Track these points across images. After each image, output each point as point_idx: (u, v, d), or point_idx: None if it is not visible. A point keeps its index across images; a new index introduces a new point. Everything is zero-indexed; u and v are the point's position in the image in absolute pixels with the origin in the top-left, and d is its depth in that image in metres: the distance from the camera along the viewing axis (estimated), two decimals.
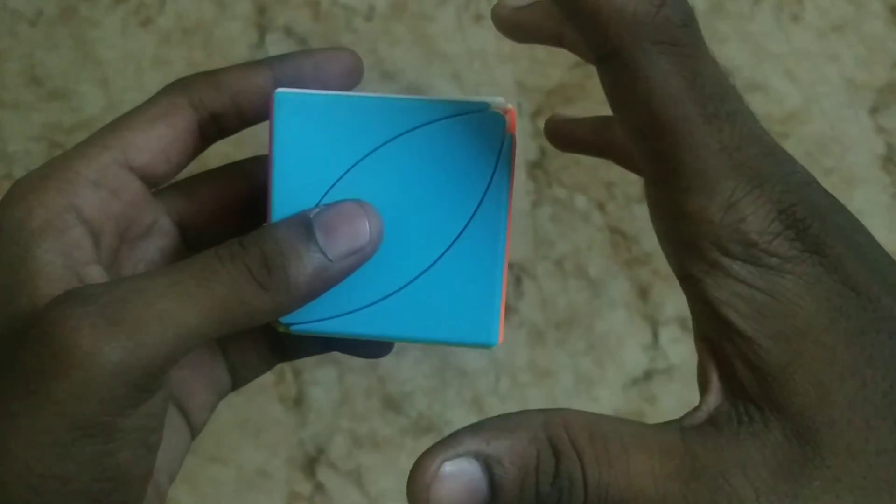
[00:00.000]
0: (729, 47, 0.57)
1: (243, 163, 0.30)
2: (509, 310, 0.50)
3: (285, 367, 0.49)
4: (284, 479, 0.48)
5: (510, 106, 0.26)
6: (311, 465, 0.48)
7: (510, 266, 0.51)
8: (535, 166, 0.52)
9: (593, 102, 0.51)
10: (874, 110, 0.55)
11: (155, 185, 0.27)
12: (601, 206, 0.51)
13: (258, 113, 0.28)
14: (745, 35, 0.57)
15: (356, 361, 0.50)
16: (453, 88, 0.54)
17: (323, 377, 0.49)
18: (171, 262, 0.27)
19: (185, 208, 0.29)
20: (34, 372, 0.21)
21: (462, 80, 0.54)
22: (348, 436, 0.48)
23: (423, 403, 0.49)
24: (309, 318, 0.26)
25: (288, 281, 0.23)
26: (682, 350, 0.49)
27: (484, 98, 0.26)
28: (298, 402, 0.49)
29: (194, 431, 0.30)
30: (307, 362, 0.49)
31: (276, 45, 0.55)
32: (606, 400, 0.49)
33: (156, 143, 0.26)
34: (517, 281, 0.51)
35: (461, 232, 0.25)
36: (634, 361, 0.49)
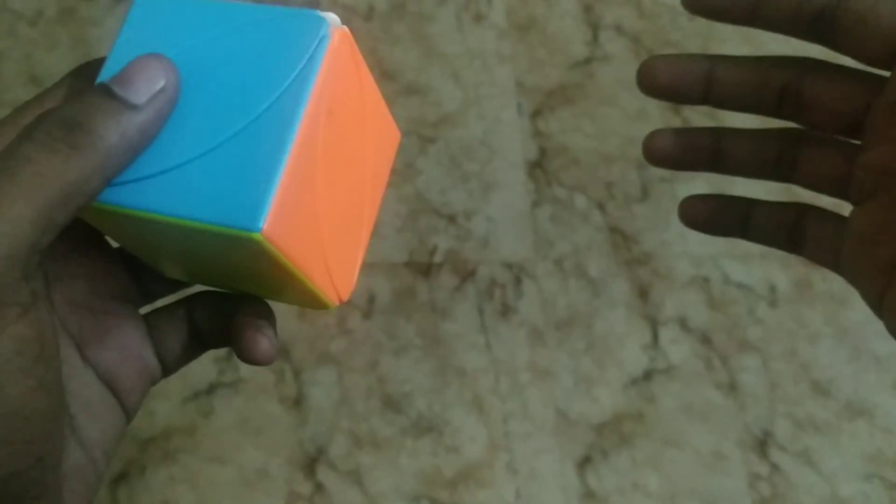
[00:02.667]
0: (729, 47, 0.57)
1: None
2: (509, 310, 0.50)
3: (285, 367, 0.49)
4: (284, 479, 0.48)
5: (345, 28, 0.26)
6: (311, 465, 0.48)
7: (509, 266, 0.51)
8: (535, 166, 0.52)
9: (593, 102, 0.52)
10: None
11: None
12: (601, 206, 0.51)
13: None
14: (745, 35, 0.57)
15: (356, 361, 0.50)
16: (454, 88, 0.54)
17: (323, 377, 0.49)
18: None
19: None
20: None
21: (462, 80, 0.54)
22: (348, 436, 0.48)
23: (423, 403, 0.49)
24: None
25: (97, 133, 0.23)
26: (682, 350, 0.49)
27: (319, 11, 0.26)
28: (298, 402, 0.49)
29: (129, 414, 0.30)
30: (307, 362, 0.49)
31: None
32: (606, 399, 0.49)
33: None
34: (517, 281, 0.51)
35: (251, 122, 0.25)
36: (634, 361, 0.49)
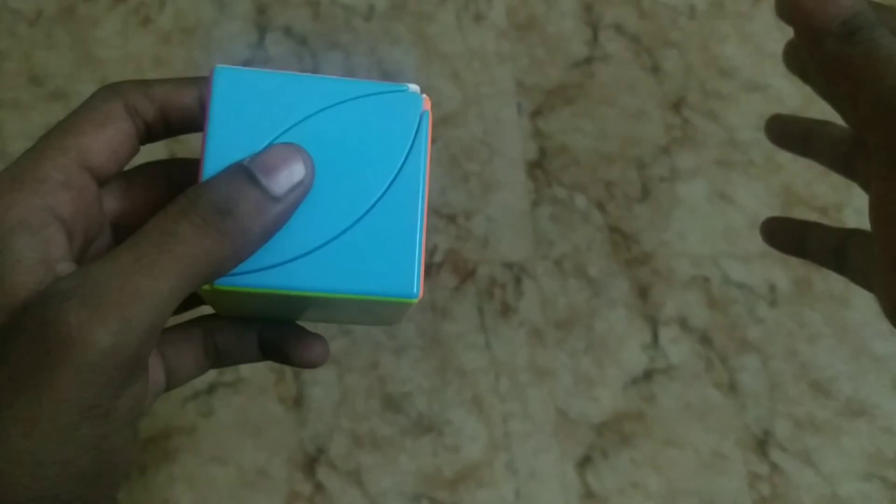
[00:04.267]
0: (729, 47, 0.57)
1: (167, 163, 0.31)
2: (509, 309, 0.50)
3: (285, 367, 0.49)
4: (284, 479, 0.48)
5: (425, 95, 0.28)
6: (311, 465, 0.48)
7: (509, 266, 0.51)
8: (535, 166, 0.52)
9: (593, 102, 0.52)
10: None
11: (104, 184, 0.29)
12: (601, 206, 0.51)
13: (185, 127, 0.29)
14: (745, 35, 0.57)
15: (356, 361, 0.50)
16: (453, 88, 0.54)
17: (323, 377, 0.49)
18: None
19: (119, 208, 0.30)
20: (30, 366, 0.23)
21: (462, 80, 0.54)
22: (348, 436, 0.48)
23: (423, 403, 0.49)
24: (233, 272, 0.27)
25: (243, 222, 0.24)
26: (682, 350, 0.49)
27: (401, 83, 0.28)
28: (298, 402, 0.49)
29: None
30: None
31: (276, 45, 0.55)
32: (606, 399, 0.49)
33: (106, 145, 0.28)
34: (517, 281, 0.51)
35: (382, 195, 0.27)
36: (634, 361, 0.49)
